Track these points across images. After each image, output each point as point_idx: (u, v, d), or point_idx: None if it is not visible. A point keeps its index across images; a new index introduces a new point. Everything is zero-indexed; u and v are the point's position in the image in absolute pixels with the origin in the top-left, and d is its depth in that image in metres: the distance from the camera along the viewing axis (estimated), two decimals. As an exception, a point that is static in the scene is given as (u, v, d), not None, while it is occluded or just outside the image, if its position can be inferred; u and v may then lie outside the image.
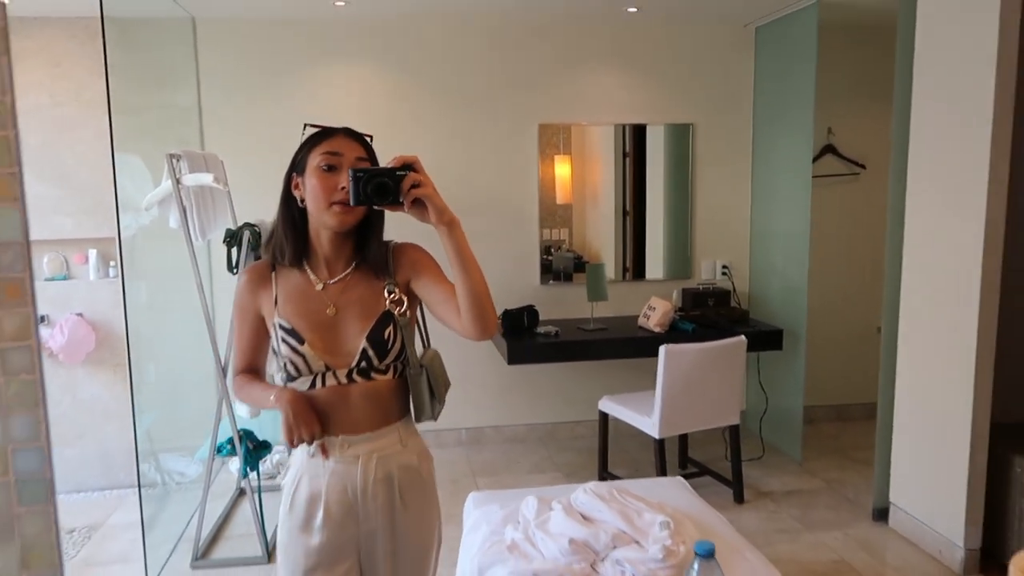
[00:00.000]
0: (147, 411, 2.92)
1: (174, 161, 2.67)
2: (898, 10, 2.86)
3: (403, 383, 1.43)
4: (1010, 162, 2.48)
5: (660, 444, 3.03)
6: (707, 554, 1.08)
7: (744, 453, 3.59)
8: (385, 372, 1.39)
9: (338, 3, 3.39)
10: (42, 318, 3.56)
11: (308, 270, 1.40)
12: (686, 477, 2.81)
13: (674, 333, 3.46)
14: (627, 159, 3.93)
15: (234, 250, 2.79)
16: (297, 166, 1.37)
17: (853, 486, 3.37)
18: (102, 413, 3.69)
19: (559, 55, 3.80)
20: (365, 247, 1.40)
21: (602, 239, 3.95)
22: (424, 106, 3.74)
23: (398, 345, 1.39)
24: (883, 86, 3.66)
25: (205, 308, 2.78)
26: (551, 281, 3.91)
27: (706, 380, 3.02)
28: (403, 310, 1.39)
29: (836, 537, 2.91)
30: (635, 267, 4.00)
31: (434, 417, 1.47)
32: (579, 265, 3.91)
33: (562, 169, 3.87)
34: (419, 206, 1.27)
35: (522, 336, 3.46)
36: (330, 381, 1.37)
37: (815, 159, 3.71)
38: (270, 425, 3.31)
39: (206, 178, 2.68)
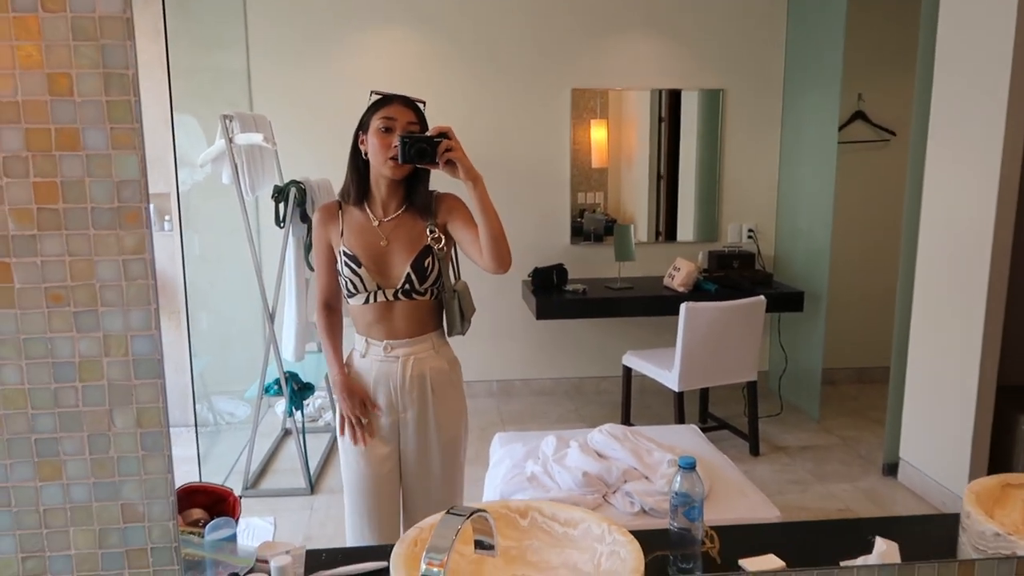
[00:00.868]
0: (200, 356, 3.18)
1: (227, 121, 2.87)
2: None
3: (438, 304, 1.78)
4: (1026, 129, 2.55)
5: (679, 397, 3.19)
6: (689, 467, 1.24)
7: (762, 411, 3.72)
8: (424, 294, 1.73)
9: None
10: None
11: (367, 209, 1.75)
12: (705, 430, 2.98)
13: (697, 293, 3.59)
14: (662, 124, 4.02)
15: (281, 205, 2.99)
16: (363, 125, 1.70)
17: (867, 443, 3.49)
18: (159, 357, 3.96)
19: (591, 20, 3.89)
20: (413, 194, 1.74)
21: (636, 202, 4.08)
22: (459, 72, 3.88)
23: (435, 273, 1.73)
24: (914, 54, 3.68)
25: (255, 258, 3.00)
26: (582, 242, 4.06)
27: (725, 337, 3.16)
28: (441, 246, 1.72)
29: (845, 489, 3.06)
30: (667, 230, 4.12)
31: (462, 332, 1.82)
32: (609, 228, 4.04)
33: (598, 133, 3.98)
34: (451, 165, 1.59)
35: (551, 293, 3.63)
36: (380, 298, 1.72)
37: (845, 125, 3.77)
38: (313, 369, 3.55)
39: (256, 138, 2.88)
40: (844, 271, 4.06)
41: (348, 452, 1.82)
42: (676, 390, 3.17)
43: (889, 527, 1.22)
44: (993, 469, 2.77)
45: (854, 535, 1.24)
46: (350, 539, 1.87)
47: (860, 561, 0.96)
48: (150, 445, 0.83)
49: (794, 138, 3.96)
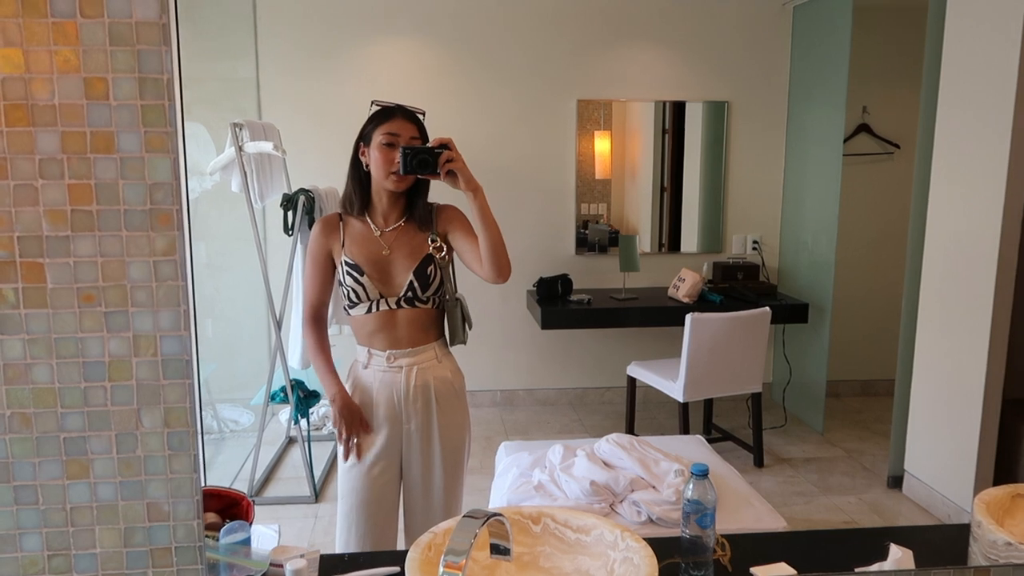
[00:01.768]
0: (205, 364, 3.19)
1: (237, 130, 2.89)
2: (931, -7, 2.93)
3: (440, 314, 1.80)
4: (1031, 144, 2.57)
5: (684, 408, 3.20)
6: (702, 474, 1.24)
7: (767, 422, 3.73)
8: (426, 303, 1.75)
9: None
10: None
11: (369, 220, 1.77)
12: (709, 442, 2.98)
13: (702, 304, 3.61)
14: (666, 135, 4.05)
15: (290, 213, 3.01)
16: (364, 138, 1.73)
17: (871, 456, 3.49)
18: (164, 363, 3.97)
19: (597, 31, 3.93)
20: (414, 205, 1.76)
21: (640, 214, 4.09)
22: (465, 82, 3.91)
23: (437, 281, 1.75)
24: (919, 68, 3.71)
25: (263, 266, 3.01)
26: (586, 253, 4.08)
27: (730, 348, 3.17)
28: (443, 255, 1.75)
29: (850, 501, 3.06)
30: (671, 241, 4.14)
31: (463, 341, 1.84)
32: (614, 238, 4.06)
33: (602, 145, 4.01)
34: (452, 176, 1.62)
35: (556, 303, 3.64)
36: (382, 307, 1.73)
37: (849, 138, 3.80)
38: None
39: (266, 146, 2.90)
40: (848, 283, 4.07)
41: (348, 463, 1.82)
42: (681, 401, 3.17)
43: (899, 536, 1.22)
44: (998, 482, 2.77)
45: (864, 544, 1.25)
46: (339, 548, 1.87)
47: (875, 567, 0.97)
48: (177, 445, 0.84)
49: (798, 150, 3.98)
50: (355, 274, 1.72)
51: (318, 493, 3.07)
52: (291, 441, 3.64)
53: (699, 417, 3.70)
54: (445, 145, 1.61)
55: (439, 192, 1.77)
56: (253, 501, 1.39)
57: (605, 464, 2.23)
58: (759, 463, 3.37)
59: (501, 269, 1.67)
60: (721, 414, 3.93)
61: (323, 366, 1.78)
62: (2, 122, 0.76)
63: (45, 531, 0.84)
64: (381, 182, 1.70)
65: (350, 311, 1.77)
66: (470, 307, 1.86)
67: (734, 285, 3.78)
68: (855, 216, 4.02)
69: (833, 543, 1.45)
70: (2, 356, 0.80)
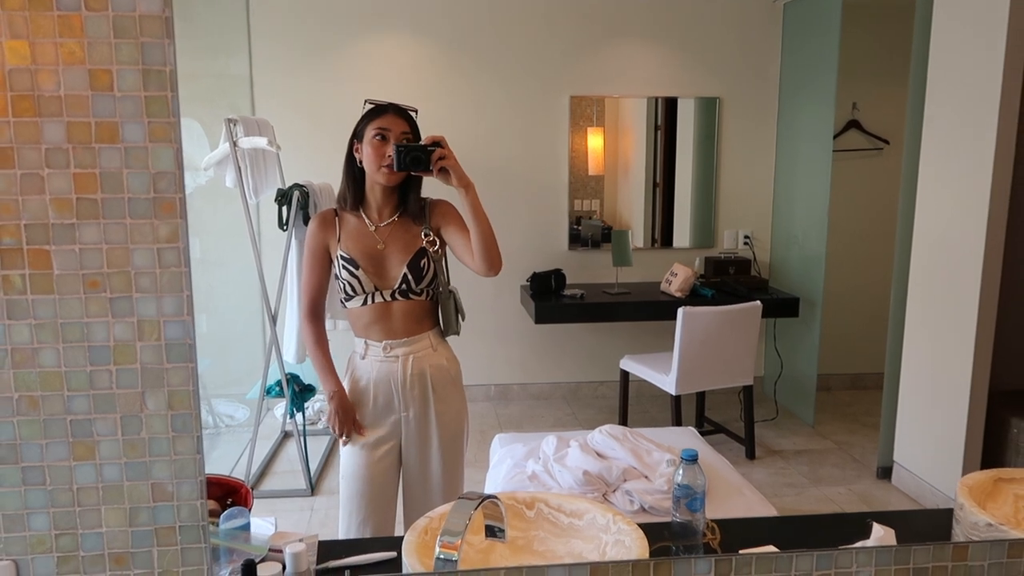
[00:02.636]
0: (200, 359, 3.20)
1: (232, 125, 2.91)
2: (918, -10, 2.97)
3: (433, 305, 1.84)
4: (1016, 140, 2.61)
5: (676, 401, 3.23)
6: (691, 459, 1.27)
7: (758, 415, 3.77)
8: (420, 295, 1.80)
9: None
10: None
11: (363, 215, 1.82)
12: (702, 434, 3.01)
13: (694, 298, 3.64)
14: (659, 132, 4.08)
15: (284, 208, 3.02)
16: (357, 135, 1.78)
17: (861, 448, 3.53)
18: (159, 359, 3.98)
19: (590, 28, 3.95)
20: (407, 200, 1.81)
21: (632, 209, 4.12)
22: (459, 78, 3.93)
23: (430, 274, 1.79)
24: (908, 64, 3.75)
25: (258, 261, 3.03)
26: (580, 248, 4.11)
27: (721, 341, 3.20)
28: (435, 248, 1.80)
29: (840, 492, 3.10)
30: (663, 236, 4.17)
31: (457, 332, 1.88)
32: (607, 234, 4.09)
33: (595, 141, 4.03)
34: (444, 173, 1.67)
35: (549, 298, 3.67)
36: (378, 299, 1.78)
37: (839, 134, 3.83)
38: (314, 371, 3.58)
39: (261, 141, 2.91)
40: (839, 277, 4.11)
41: (349, 451, 1.85)
42: (673, 394, 3.21)
43: (885, 520, 1.25)
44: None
45: (851, 529, 1.28)
46: (342, 533, 1.91)
47: (858, 545, 1.00)
48: (180, 427, 0.86)
49: (789, 146, 4.01)
50: (351, 268, 1.77)
51: (314, 486, 3.10)
52: (286, 435, 3.66)
53: (691, 410, 3.74)
54: (438, 143, 1.67)
55: (432, 187, 1.80)
56: (252, 489, 1.42)
57: (598, 455, 2.26)
58: (751, 455, 3.41)
59: (492, 262, 1.72)
60: (713, 407, 3.97)
61: (321, 361, 1.83)
62: (9, 112, 0.79)
63: (52, 511, 0.87)
64: (374, 176, 1.75)
65: (346, 304, 1.82)
66: (464, 302, 1.90)
67: (726, 280, 3.81)
68: (845, 211, 4.06)
69: (821, 527, 1.48)
70: (10, 341, 0.83)
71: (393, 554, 1.27)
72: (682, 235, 4.17)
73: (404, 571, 1.04)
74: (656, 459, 2.20)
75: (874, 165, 4.17)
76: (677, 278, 3.69)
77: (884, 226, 4.20)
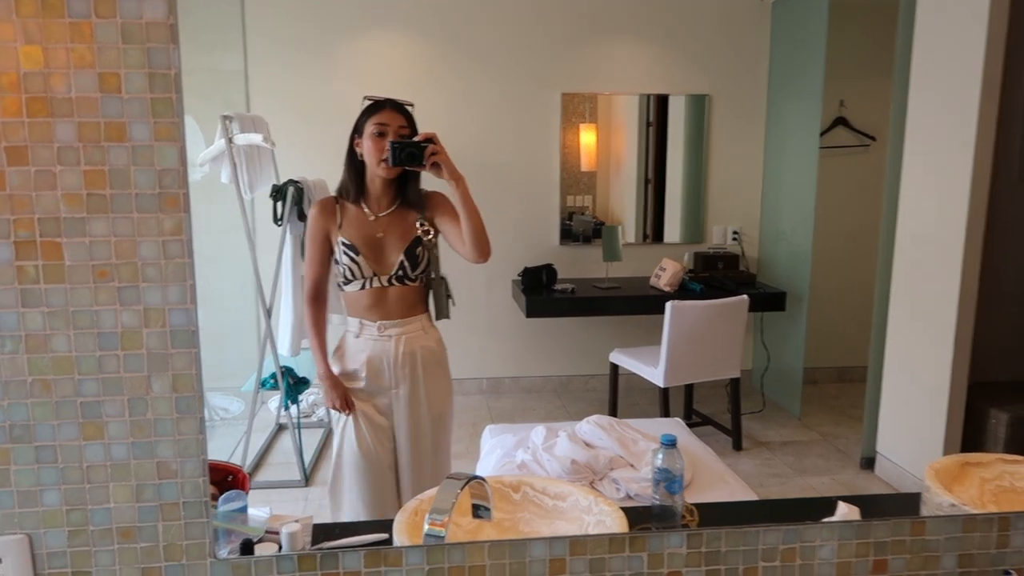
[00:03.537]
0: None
1: (227, 122, 2.95)
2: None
3: (425, 290, 1.99)
4: (995, 137, 2.67)
5: (664, 393, 3.29)
6: (670, 444, 1.33)
7: (745, 407, 3.83)
8: (415, 280, 1.94)
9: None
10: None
11: (364, 205, 1.94)
12: (689, 426, 3.08)
13: (683, 292, 3.70)
14: (650, 128, 4.13)
15: (279, 204, 3.07)
16: (358, 130, 1.89)
17: (845, 439, 3.60)
18: (155, 353, 4.01)
19: (582, 25, 4.00)
20: (405, 191, 1.93)
21: (624, 205, 4.18)
22: (451, 75, 3.98)
23: (425, 261, 1.94)
24: (894, 63, 3.81)
25: (253, 256, 3.08)
26: (571, 243, 4.16)
27: (709, 335, 3.26)
28: (430, 237, 1.93)
29: (823, 481, 3.17)
30: (654, 231, 4.23)
31: (447, 315, 2.03)
32: (598, 229, 4.15)
33: (587, 137, 4.09)
34: (436, 167, 1.79)
35: (540, 292, 3.73)
36: (375, 284, 1.92)
37: (826, 131, 3.90)
38: (309, 364, 3.63)
39: (256, 138, 2.96)
40: (825, 272, 4.18)
41: (343, 428, 1.95)
42: (661, 386, 3.27)
43: (858, 503, 1.31)
44: (964, 462, 2.88)
45: (824, 511, 1.34)
46: (331, 510, 2.00)
47: (824, 520, 1.06)
48: (184, 408, 0.92)
49: (778, 143, 4.08)
50: (351, 253, 1.89)
51: (308, 477, 3.15)
52: (281, 428, 3.71)
53: (680, 403, 3.80)
54: (430, 139, 1.77)
55: (428, 180, 1.89)
56: (248, 475, 1.47)
57: (586, 444, 2.32)
58: (737, 446, 3.47)
59: (482, 249, 1.85)
60: (701, 400, 4.03)
61: (316, 342, 1.95)
62: (24, 113, 0.84)
63: (63, 487, 0.92)
64: (374, 169, 1.86)
65: (344, 287, 1.94)
66: (456, 296, 2.02)
67: (714, 274, 3.88)
68: (832, 207, 4.12)
69: (796, 510, 1.55)
70: (24, 327, 0.88)
71: (384, 536, 1.32)
72: (672, 230, 4.23)
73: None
74: (642, 448, 2.26)
75: (861, 161, 4.24)
76: (666, 273, 3.75)
77: (870, 222, 4.26)
